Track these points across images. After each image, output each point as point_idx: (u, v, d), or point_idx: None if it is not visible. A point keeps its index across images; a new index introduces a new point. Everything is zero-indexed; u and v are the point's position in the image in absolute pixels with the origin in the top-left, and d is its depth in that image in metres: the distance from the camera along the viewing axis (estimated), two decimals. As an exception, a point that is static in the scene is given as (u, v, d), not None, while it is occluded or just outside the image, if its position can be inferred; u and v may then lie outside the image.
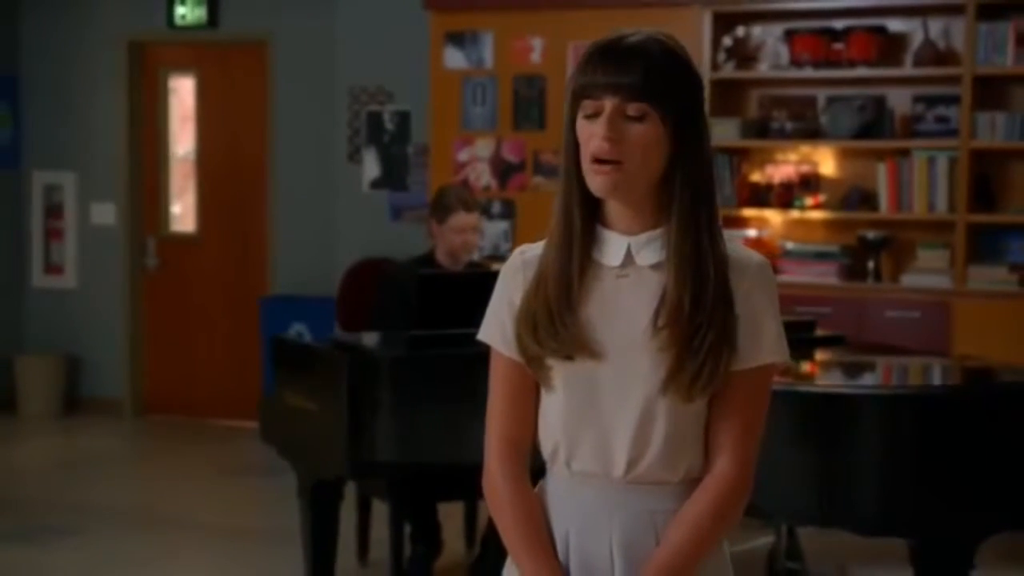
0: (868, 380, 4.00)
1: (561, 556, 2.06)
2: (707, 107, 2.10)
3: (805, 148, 6.55)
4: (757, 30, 6.61)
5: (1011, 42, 6.05)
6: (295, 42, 7.92)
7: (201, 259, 8.38)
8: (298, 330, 7.67)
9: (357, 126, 7.65)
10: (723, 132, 6.42)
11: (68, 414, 8.40)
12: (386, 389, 4.09)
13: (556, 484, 2.09)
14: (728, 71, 6.48)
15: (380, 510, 5.36)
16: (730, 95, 6.62)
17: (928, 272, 6.22)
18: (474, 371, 4.01)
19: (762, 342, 1.99)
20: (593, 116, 1.97)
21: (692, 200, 1.97)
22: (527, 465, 2.11)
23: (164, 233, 8.49)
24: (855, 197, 6.39)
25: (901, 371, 4.39)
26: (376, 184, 7.65)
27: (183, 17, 8.19)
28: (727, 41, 6.48)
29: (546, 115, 6.78)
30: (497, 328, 2.10)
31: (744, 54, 6.57)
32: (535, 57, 6.77)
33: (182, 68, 8.40)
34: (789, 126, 6.43)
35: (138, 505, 6.48)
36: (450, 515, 5.35)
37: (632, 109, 1.94)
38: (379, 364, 4.15)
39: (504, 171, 6.85)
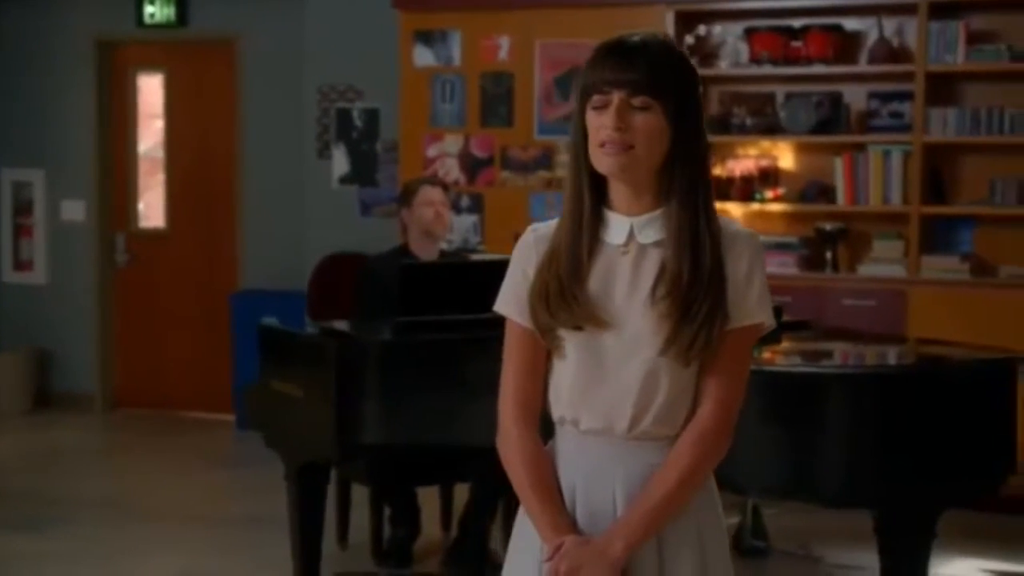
0: (833, 361, 4.20)
1: (569, 506, 2.26)
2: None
3: (765, 143, 6.76)
4: (718, 29, 6.81)
5: (961, 40, 6.27)
6: (264, 41, 8.05)
7: (171, 255, 8.50)
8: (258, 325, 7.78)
9: (326, 123, 7.80)
10: (686, 128, 6.60)
11: (39, 409, 8.49)
12: (374, 373, 4.25)
13: (565, 442, 2.29)
14: (690, 69, 6.66)
15: (359, 494, 5.52)
16: (692, 92, 6.80)
17: (883, 262, 6.44)
18: (459, 356, 4.22)
19: (748, 304, 2.21)
20: (601, 108, 2.16)
21: (690, 183, 2.19)
22: (538, 424, 2.31)
23: (134, 229, 8.60)
24: (813, 190, 6.60)
25: (863, 353, 4.60)
26: (345, 180, 7.80)
27: (152, 16, 8.30)
28: (689, 39, 6.68)
29: (513, 112, 6.94)
30: (513, 299, 2.30)
31: (705, 52, 6.77)
32: (502, 55, 6.94)
33: (151, 67, 8.51)
34: (749, 122, 6.64)
35: (115, 496, 6.58)
36: (426, 499, 5.50)
37: (637, 101, 2.15)
38: (366, 349, 4.31)
39: (472, 166, 7.03)
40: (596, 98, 2.17)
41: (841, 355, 4.42)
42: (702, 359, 2.20)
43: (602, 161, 2.18)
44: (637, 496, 2.21)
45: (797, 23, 6.61)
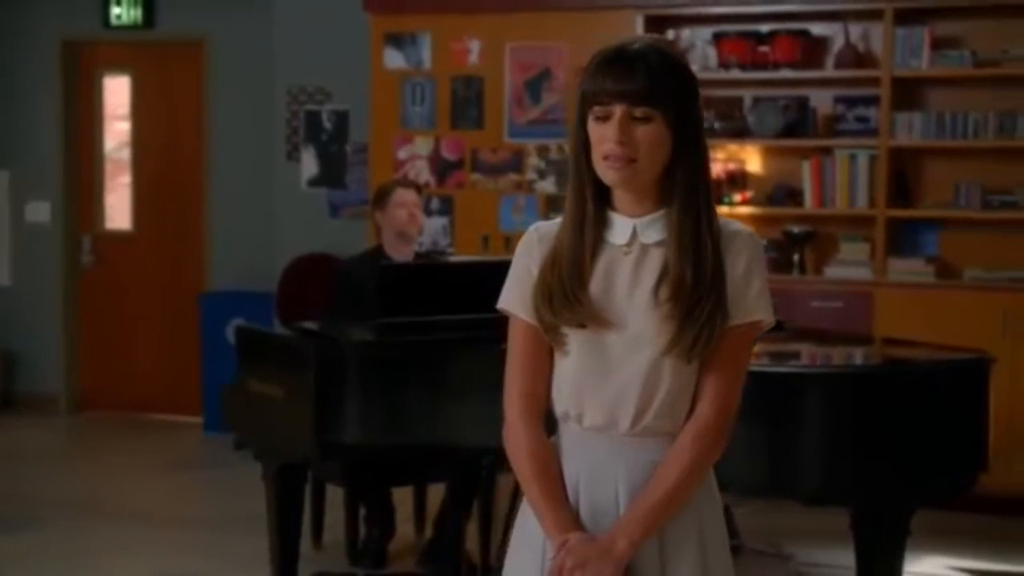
0: (809, 361, 4.27)
1: (572, 500, 2.30)
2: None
3: (732, 147, 6.83)
4: (687, 33, 6.87)
5: (926, 46, 6.36)
6: (233, 42, 8.05)
7: (137, 256, 8.48)
8: (237, 326, 7.77)
9: (295, 125, 7.81)
10: (655, 131, 6.67)
11: (3, 411, 8.45)
12: (353, 374, 4.27)
13: (568, 438, 2.33)
14: (659, 72, 6.72)
15: (333, 494, 5.54)
16: (661, 95, 6.87)
17: (850, 264, 6.52)
18: (438, 356, 4.25)
19: (748, 302, 2.26)
20: (603, 119, 2.20)
21: (691, 187, 2.23)
22: (543, 419, 2.35)
23: (100, 231, 8.58)
24: (780, 193, 6.68)
25: (839, 353, 4.67)
26: (314, 182, 7.82)
27: (119, 17, 8.29)
28: (658, 44, 6.73)
29: (483, 115, 6.98)
30: (517, 296, 2.34)
31: (674, 56, 6.82)
32: (473, 58, 6.98)
33: (117, 68, 8.49)
34: (717, 125, 6.70)
35: (83, 498, 6.54)
36: (399, 499, 5.53)
37: (639, 112, 2.19)
38: (345, 350, 4.33)
39: (442, 169, 7.06)
40: (597, 108, 2.21)
41: (817, 355, 4.49)
42: (703, 356, 2.24)
43: (606, 174, 2.22)
44: (640, 493, 2.25)
45: (765, 28, 6.68)
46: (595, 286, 2.26)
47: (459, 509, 5.12)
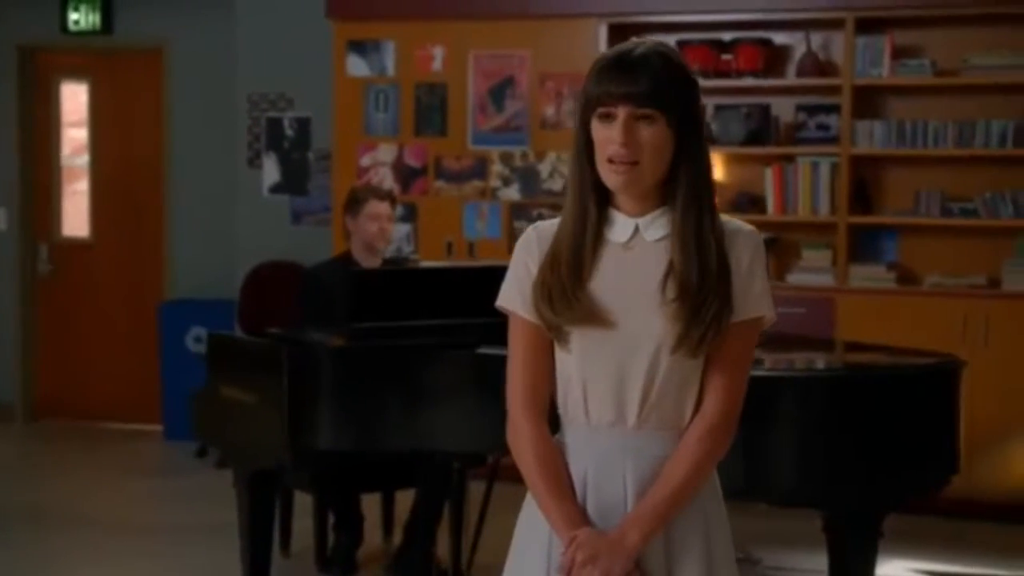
0: (781, 365, 4.30)
1: (579, 497, 2.31)
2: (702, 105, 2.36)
3: (695, 154, 6.85)
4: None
5: (887, 55, 6.44)
6: (193, 49, 8.02)
7: (96, 264, 8.42)
8: (197, 334, 7.77)
9: (257, 132, 7.78)
10: (618, 138, 6.72)
11: (-41, 420, 8.37)
12: (326, 379, 4.27)
13: (574, 434, 2.34)
14: (623, 80, 6.76)
15: (301, 501, 5.52)
16: (624, 103, 6.91)
17: (812, 271, 6.59)
18: (411, 362, 4.25)
19: (750, 298, 2.29)
20: (607, 121, 2.23)
21: (694, 188, 2.25)
22: (547, 416, 2.36)
23: (57, 239, 8.51)
24: (743, 200, 6.73)
25: (807, 357, 4.71)
26: (276, 189, 7.79)
27: (76, 23, 8.24)
28: (621, 52, 6.77)
29: (447, 122, 6.99)
30: (517, 294, 2.35)
31: (637, 64, 6.86)
32: (436, 65, 6.99)
33: (75, 74, 8.44)
34: (680, 133, 6.73)
35: (43, 507, 6.48)
36: (367, 506, 5.52)
37: (642, 114, 2.21)
38: (319, 355, 4.33)
39: (406, 176, 7.06)
40: (601, 110, 2.23)
41: (785, 360, 4.52)
42: (708, 351, 2.26)
43: (610, 177, 2.25)
44: (649, 488, 2.26)
45: (727, 37, 6.74)
46: (597, 284, 2.27)
47: (430, 515, 5.13)
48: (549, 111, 6.84)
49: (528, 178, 6.89)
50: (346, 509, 5.36)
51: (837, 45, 6.64)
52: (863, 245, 6.66)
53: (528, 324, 2.34)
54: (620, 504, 2.29)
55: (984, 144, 6.33)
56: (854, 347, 5.04)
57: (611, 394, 2.27)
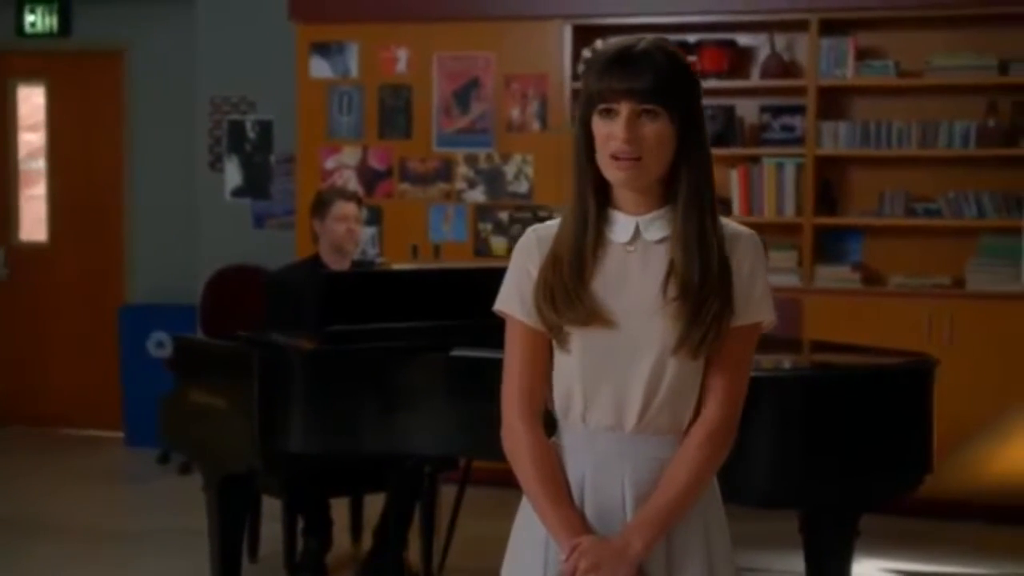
0: (759, 365, 4.30)
1: (577, 500, 2.28)
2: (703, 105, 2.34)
3: (660, 156, 6.85)
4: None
5: (851, 56, 6.46)
6: (153, 51, 7.95)
7: (54, 269, 8.31)
8: (158, 339, 7.70)
9: (218, 135, 7.72)
10: (584, 140, 6.71)
11: (-86, 428, 8.26)
12: (298, 383, 4.23)
13: (571, 437, 2.31)
14: (588, 82, 6.76)
15: (268, 506, 5.47)
16: (589, 105, 6.91)
17: (778, 271, 6.58)
18: (383, 365, 4.21)
19: (752, 303, 2.28)
20: (609, 117, 2.20)
21: (696, 186, 2.24)
22: (542, 419, 2.33)
23: (14, 243, 8.40)
24: (709, 202, 6.72)
25: (778, 358, 4.71)
26: (238, 193, 7.73)
27: (33, 25, 8.14)
28: (586, 53, 6.76)
29: (412, 124, 6.95)
30: (516, 298, 2.32)
31: (602, 66, 6.85)
32: (401, 67, 6.95)
33: (32, 77, 8.33)
34: (645, 135, 6.73)
35: (4, 515, 6.39)
36: (335, 510, 5.47)
37: (645, 110, 2.19)
38: (291, 358, 4.29)
39: (371, 178, 7.02)
40: (603, 106, 2.20)
41: (765, 360, 4.52)
42: (709, 353, 2.25)
43: (612, 173, 2.22)
44: (651, 495, 2.24)
45: (691, 38, 6.74)
46: (598, 284, 2.25)
47: (401, 518, 5.10)
48: (514, 113, 6.82)
49: (493, 180, 6.87)
50: (316, 513, 5.31)
51: (801, 46, 6.66)
52: (828, 246, 6.68)
53: (526, 328, 2.31)
54: (618, 509, 2.27)
55: (947, 144, 6.36)
56: (827, 347, 5.05)
57: (611, 397, 2.25)
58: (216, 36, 7.65)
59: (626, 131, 2.17)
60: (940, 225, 6.47)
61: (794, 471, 3.86)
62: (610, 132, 2.19)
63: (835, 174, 6.70)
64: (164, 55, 7.93)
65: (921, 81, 6.46)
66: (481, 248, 6.88)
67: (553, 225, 2.32)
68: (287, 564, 5.36)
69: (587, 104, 2.24)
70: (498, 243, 6.86)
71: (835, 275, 6.52)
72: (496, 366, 4.06)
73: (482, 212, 6.89)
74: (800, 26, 6.57)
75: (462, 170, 6.91)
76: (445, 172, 6.93)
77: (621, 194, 2.27)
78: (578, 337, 2.25)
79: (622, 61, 2.21)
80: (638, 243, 2.26)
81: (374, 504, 5.43)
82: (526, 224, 6.44)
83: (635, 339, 2.23)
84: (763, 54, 6.71)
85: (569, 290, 2.23)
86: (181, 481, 6.98)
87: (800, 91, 6.57)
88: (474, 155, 6.89)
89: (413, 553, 5.11)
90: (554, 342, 2.29)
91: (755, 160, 6.67)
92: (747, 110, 6.78)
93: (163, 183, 8.01)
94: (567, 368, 2.29)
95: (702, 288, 2.21)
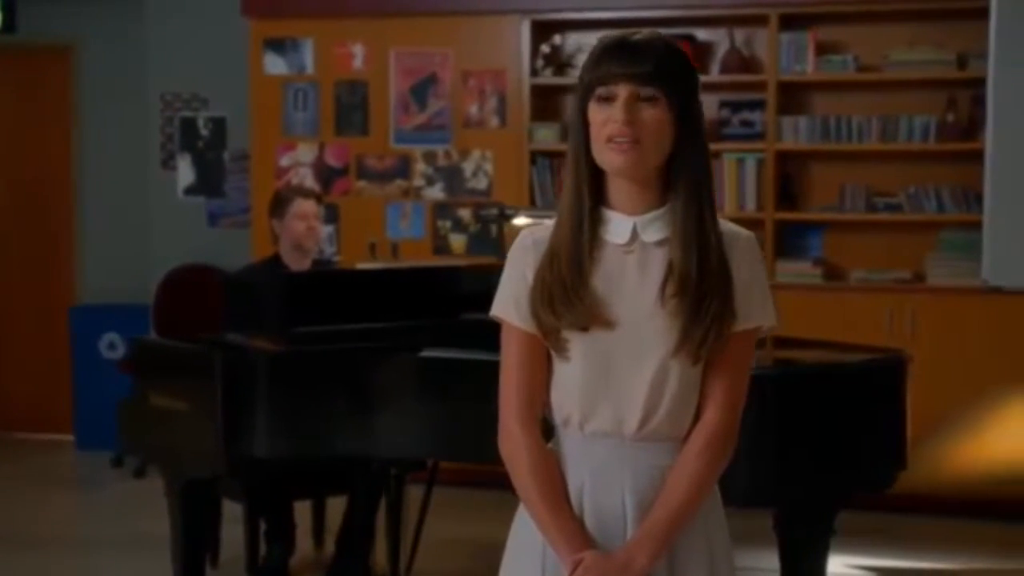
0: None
1: (575, 507, 2.22)
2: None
3: (620, 152, 6.81)
4: (573, 38, 6.86)
5: (811, 51, 6.45)
6: (102, 47, 7.81)
7: (3, 270, 8.16)
8: (110, 340, 7.58)
9: (170, 132, 7.60)
10: (543, 136, 6.67)
11: None
12: (263, 385, 4.15)
13: (570, 444, 2.25)
14: (547, 77, 6.71)
15: (229, 510, 5.38)
16: (548, 101, 6.87)
17: (739, 267, 6.57)
18: (348, 366, 4.14)
19: (752, 307, 2.22)
20: (607, 101, 2.14)
21: (695, 182, 2.18)
22: (540, 426, 2.27)
23: (-40, 244, 8.25)
24: (669, 198, 6.69)
25: (757, 355, 4.67)
26: (191, 191, 7.62)
27: (-23, 21, 7.97)
28: (545, 48, 6.71)
29: (368, 121, 6.87)
30: (512, 303, 2.25)
31: (560, 62, 6.81)
32: (357, 63, 6.87)
33: (-24, 74, 8.18)
34: (604, 131, 6.68)
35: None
36: (297, 513, 5.39)
37: (645, 93, 2.13)
38: (255, 360, 4.20)
39: (327, 176, 6.93)
40: (602, 90, 2.15)
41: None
42: (708, 358, 2.19)
43: (609, 157, 2.15)
44: (651, 503, 2.19)
45: (650, 33, 6.69)
46: (596, 286, 2.19)
47: (366, 521, 5.03)
48: (472, 109, 6.75)
49: (452, 177, 6.80)
50: (278, 517, 5.23)
51: (760, 41, 6.63)
52: (789, 241, 6.67)
53: (523, 333, 2.25)
54: (619, 518, 2.21)
55: (908, 139, 6.36)
56: (792, 343, 5.02)
57: (612, 404, 2.20)
58: (167, 31, 7.53)
59: (625, 112, 2.12)
60: (901, 220, 6.47)
61: (771, 470, 3.82)
62: (608, 116, 2.14)
63: (795, 169, 6.68)
64: (113, 51, 7.80)
65: (881, 76, 6.46)
66: (440, 246, 6.81)
67: (548, 226, 2.25)
68: (249, 569, 5.27)
69: (584, 93, 2.18)
70: (457, 241, 6.79)
71: (796, 270, 6.50)
72: (467, 367, 4.06)
73: (441, 210, 6.82)
74: (759, 21, 6.55)
75: (420, 167, 6.84)
76: (403, 169, 6.85)
77: (617, 189, 2.20)
78: (577, 343, 2.19)
79: (621, 47, 2.17)
80: (636, 244, 2.20)
81: (336, 506, 5.35)
82: (491, 222, 6.44)
83: (636, 343, 2.18)
84: (722, 49, 6.69)
85: (568, 289, 2.17)
86: (137, 485, 6.87)
87: (760, 86, 6.54)
88: (432, 152, 6.82)
89: (379, 555, 5.04)
90: (552, 351, 2.23)
91: (715, 155, 6.62)
92: (707, 105, 6.54)
93: (114, 182, 7.88)
94: (566, 376, 2.23)
95: (701, 285, 2.15)
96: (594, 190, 2.20)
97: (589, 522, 2.21)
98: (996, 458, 6.09)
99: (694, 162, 2.19)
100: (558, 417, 2.26)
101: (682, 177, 2.18)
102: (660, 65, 2.14)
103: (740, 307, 2.20)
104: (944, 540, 5.86)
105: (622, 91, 2.13)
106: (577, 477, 2.23)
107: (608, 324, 2.18)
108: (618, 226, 2.20)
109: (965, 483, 6.09)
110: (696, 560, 2.23)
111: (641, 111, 2.13)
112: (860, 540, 5.71)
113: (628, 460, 2.21)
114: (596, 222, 2.20)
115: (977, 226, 6.20)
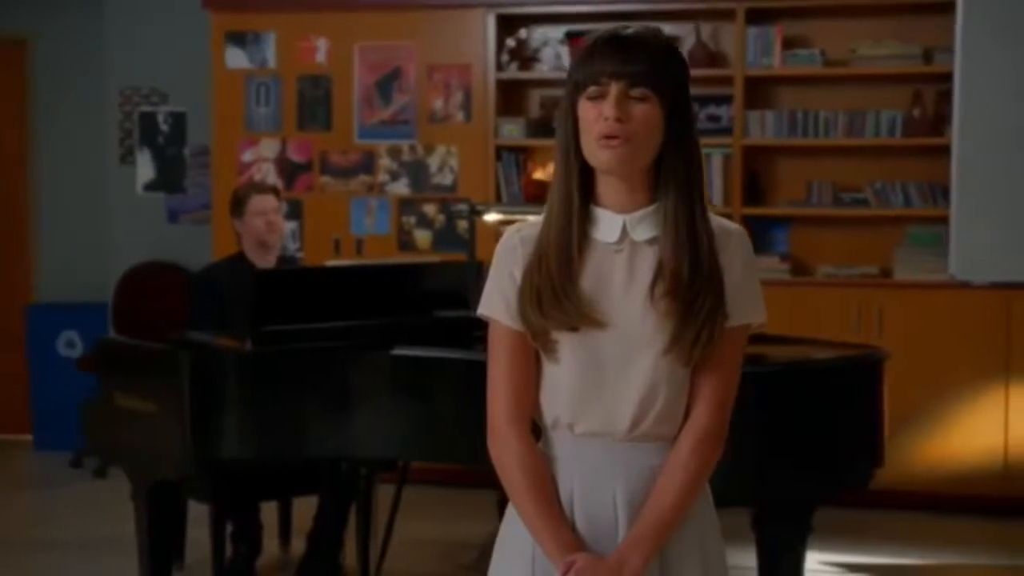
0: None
1: (566, 509, 2.18)
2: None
3: (586, 147, 6.77)
4: (539, 32, 6.81)
5: (777, 45, 6.43)
6: (59, 41, 7.69)
7: (-44, 268, 8.03)
8: (68, 339, 7.46)
9: (129, 127, 7.49)
10: (509, 132, 6.61)
11: None
12: (231, 385, 4.08)
13: (560, 446, 2.21)
14: (512, 72, 6.66)
15: (195, 510, 5.30)
16: (513, 95, 6.82)
17: (706, 263, 6.54)
18: (318, 365, 4.08)
19: (743, 304, 2.18)
20: (598, 99, 2.10)
21: (685, 178, 2.14)
22: (530, 427, 2.22)
23: (-87, 241, 8.09)
24: (636, 193, 6.65)
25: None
26: (151, 187, 7.51)
27: (-69, 15, 7.84)
28: (510, 43, 6.66)
29: (332, 115, 6.79)
30: (500, 301, 2.20)
31: (526, 56, 6.76)
32: (320, 58, 6.78)
33: (-70, 68, 8.03)
34: (571, 126, 6.64)
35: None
36: (263, 514, 5.32)
37: (636, 93, 2.09)
38: (223, 359, 4.13)
39: (290, 171, 6.84)
40: (593, 89, 2.10)
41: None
42: (701, 356, 2.15)
43: (600, 154, 2.11)
44: (643, 504, 2.15)
45: (617, 27, 6.65)
46: (586, 285, 2.14)
47: (336, 522, 4.96)
48: (437, 104, 6.69)
49: (417, 172, 6.73)
50: (244, 518, 5.16)
51: (727, 36, 6.61)
52: (756, 236, 6.53)
53: (512, 332, 2.19)
54: (610, 520, 2.17)
55: (874, 134, 6.36)
56: (764, 339, 4.98)
57: (603, 405, 2.15)
58: (125, 24, 7.43)
59: (616, 109, 2.08)
60: (867, 215, 6.46)
61: (749, 468, 3.79)
62: (599, 113, 2.10)
63: (762, 164, 6.66)
64: (71, 44, 7.68)
65: (847, 70, 6.45)
66: (405, 242, 6.74)
67: (535, 223, 2.20)
68: (215, 571, 5.18)
69: (574, 90, 2.14)
70: (422, 236, 6.73)
71: (763, 265, 6.45)
72: (440, 364, 4.00)
73: (405, 205, 6.75)
74: (726, 15, 6.52)
75: (384, 162, 6.76)
76: (367, 164, 6.78)
77: (607, 187, 2.16)
78: (567, 343, 2.14)
79: (612, 43, 2.12)
80: (626, 243, 2.16)
81: (303, 506, 5.28)
82: (462, 218, 6.37)
83: (627, 343, 2.13)
84: (689, 43, 6.64)
85: (557, 288, 2.12)
86: (96, 486, 6.77)
87: (726, 81, 6.52)
88: (397, 147, 6.75)
89: (349, 556, 4.98)
90: (541, 352, 2.18)
91: (682, 150, 6.59)
92: (673, 100, 6.69)
93: (72, 177, 7.76)
94: (555, 377, 2.18)
95: (692, 284, 2.11)
96: (583, 188, 2.16)
97: (580, 525, 2.17)
98: (965, 453, 6.10)
99: (685, 159, 2.15)
100: (547, 419, 2.22)
101: (673, 175, 2.14)
102: (652, 63, 2.10)
103: (732, 305, 2.16)
104: (914, 536, 5.85)
105: (613, 88, 2.09)
106: (568, 479, 2.19)
107: (598, 324, 2.13)
108: (608, 224, 2.16)
109: (933, 479, 6.09)
110: (689, 560, 2.19)
111: (632, 109, 2.09)
112: (829, 536, 5.69)
113: (619, 461, 2.17)
114: (585, 220, 2.16)
115: (944, 221, 6.21)
